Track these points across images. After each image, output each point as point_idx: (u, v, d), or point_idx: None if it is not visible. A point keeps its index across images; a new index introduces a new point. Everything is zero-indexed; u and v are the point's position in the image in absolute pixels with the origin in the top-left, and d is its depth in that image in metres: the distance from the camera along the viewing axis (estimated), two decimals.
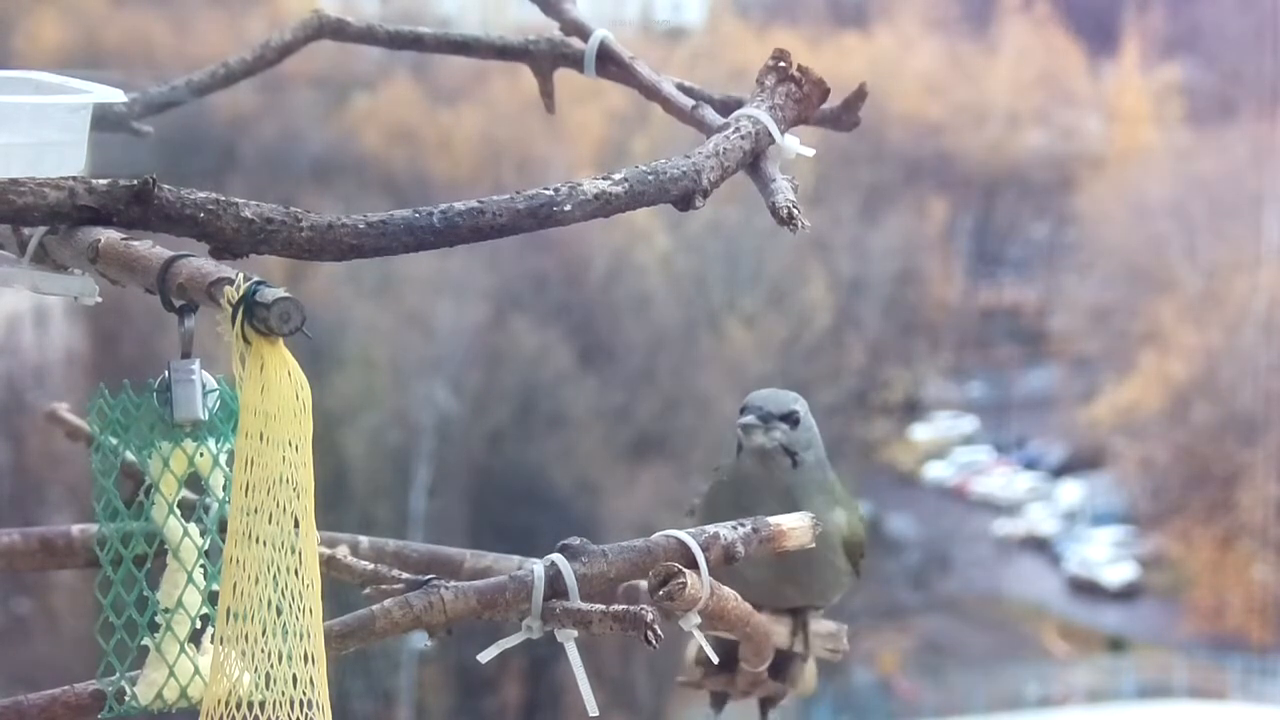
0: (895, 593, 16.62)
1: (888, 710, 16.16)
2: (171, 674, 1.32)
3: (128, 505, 1.33)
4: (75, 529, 1.74)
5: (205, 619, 1.33)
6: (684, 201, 1.41)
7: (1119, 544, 17.20)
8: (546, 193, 1.33)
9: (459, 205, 1.30)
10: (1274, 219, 16.02)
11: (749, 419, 1.85)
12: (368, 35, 1.85)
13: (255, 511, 1.20)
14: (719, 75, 13.56)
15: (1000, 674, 15.97)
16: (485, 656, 1.38)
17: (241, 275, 1.19)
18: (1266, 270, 16.05)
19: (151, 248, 1.29)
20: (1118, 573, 16.91)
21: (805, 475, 1.85)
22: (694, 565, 1.38)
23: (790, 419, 1.85)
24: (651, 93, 1.68)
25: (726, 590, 1.44)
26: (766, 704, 1.94)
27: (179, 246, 1.27)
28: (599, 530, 13.72)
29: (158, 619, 1.33)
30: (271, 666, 1.20)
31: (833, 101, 1.60)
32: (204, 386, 1.31)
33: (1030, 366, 18.56)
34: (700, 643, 1.43)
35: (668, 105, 1.65)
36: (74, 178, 1.24)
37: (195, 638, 1.33)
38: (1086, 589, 16.91)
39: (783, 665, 1.90)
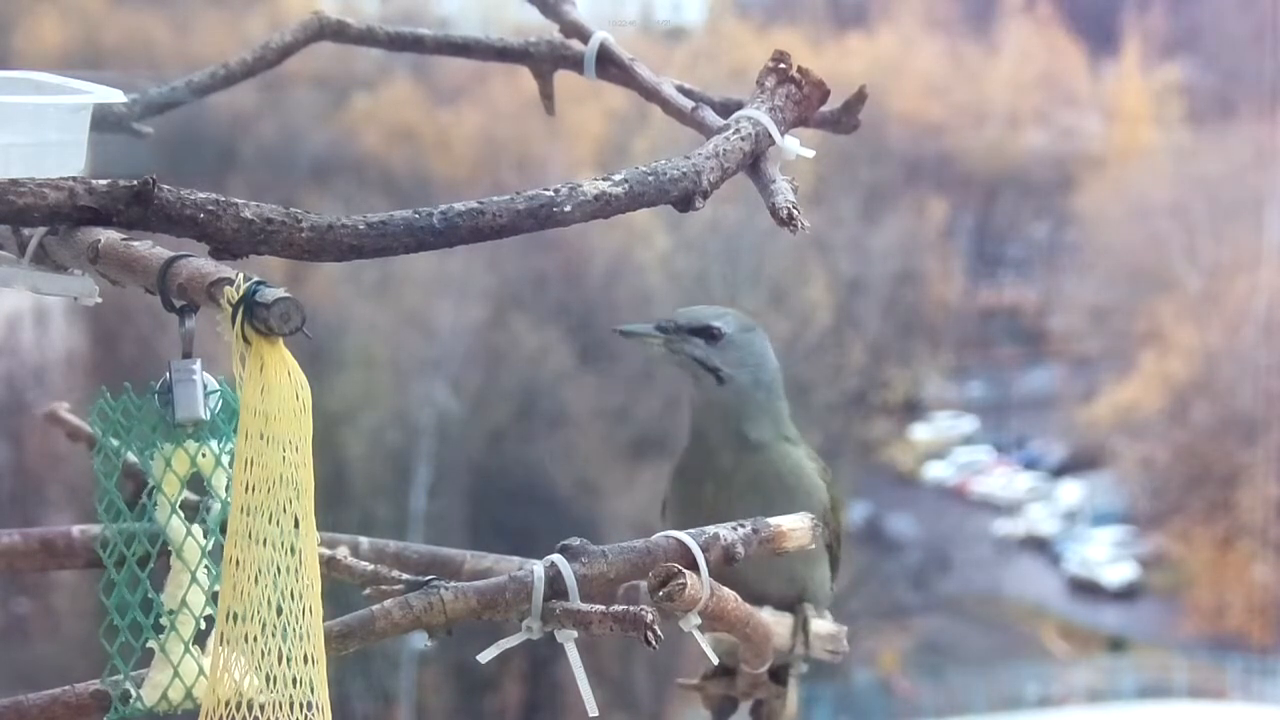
0: (895, 593, 16.62)
1: (888, 710, 16.15)
2: (176, 675, 1.32)
3: (130, 507, 1.33)
4: (76, 529, 1.74)
5: (210, 619, 1.33)
6: (684, 202, 1.41)
7: (1119, 544, 17.20)
8: (546, 193, 1.33)
9: (459, 206, 1.30)
10: (1274, 219, 16.02)
11: (635, 325, 1.82)
12: (368, 37, 1.84)
13: (255, 511, 1.20)
14: (719, 75, 13.55)
15: (1000, 674, 15.96)
16: (485, 657, 1.38)
17: (241, 275, 1.19)
18: (1266, 270, 16.05)
19: (151, 248, 1.28)
20: (1118, 573, 16.91)
21: (740, 395, 1.81)
22: (694, 566, 1.38)
23: (705, 333, 1.81)
24: (651, 94, 1.68)
25: (726, 591, 1.44)
26: (760, 707, 1.93)
27: (179, 247, 1.27)
28: (599, 530, 13.71)
29: (162, 620, 1.33)
30: (272, 667, 1.20)
31: (833, 103, 1.60)
32: (205, 387, 1.31)
33: (1030, 366, 18.56)
34: (701, 644, 1.43)
35: (667, 107, 1.65)
36: (74, 178, 1.24)
37: (200, 638, 1.33)
38: (1086, 589, 16.91)
39: (779, 673, 1.90)
